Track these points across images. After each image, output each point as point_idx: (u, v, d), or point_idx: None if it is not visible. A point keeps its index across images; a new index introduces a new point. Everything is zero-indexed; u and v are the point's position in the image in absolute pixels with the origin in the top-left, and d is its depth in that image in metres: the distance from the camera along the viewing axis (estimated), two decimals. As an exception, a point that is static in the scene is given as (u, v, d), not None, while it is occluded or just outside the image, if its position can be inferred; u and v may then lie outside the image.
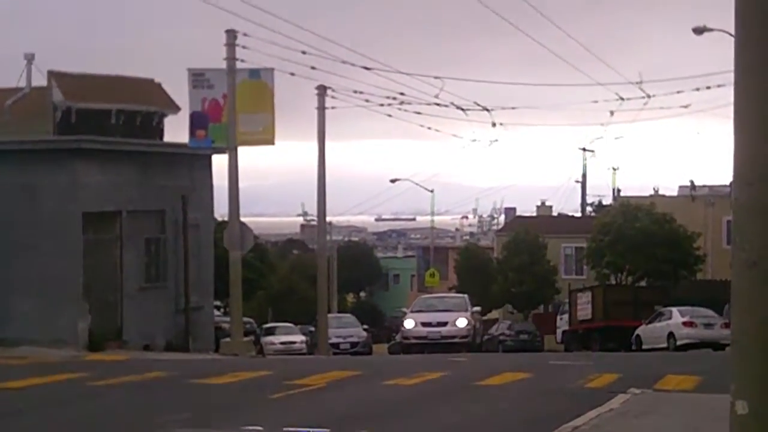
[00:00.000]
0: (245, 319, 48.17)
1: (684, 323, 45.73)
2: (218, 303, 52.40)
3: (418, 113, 45.23)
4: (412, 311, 45.62)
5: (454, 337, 41.96)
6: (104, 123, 39.77)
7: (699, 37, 42.36)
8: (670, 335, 45.87)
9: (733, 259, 7.30)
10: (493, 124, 46.33)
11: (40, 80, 39.73)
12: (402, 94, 43.49)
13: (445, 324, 42.56)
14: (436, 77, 42.31)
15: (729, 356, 7.62)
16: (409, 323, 44.01)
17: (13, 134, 37.34)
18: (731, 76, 7.51)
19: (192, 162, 40.93)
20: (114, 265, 37.44)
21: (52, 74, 39.50)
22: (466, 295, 49.25)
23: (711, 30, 41.72)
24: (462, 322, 42.65)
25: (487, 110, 45.23)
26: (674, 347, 44.90)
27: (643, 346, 47.54)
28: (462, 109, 44.72)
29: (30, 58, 39.60)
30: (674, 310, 47.45)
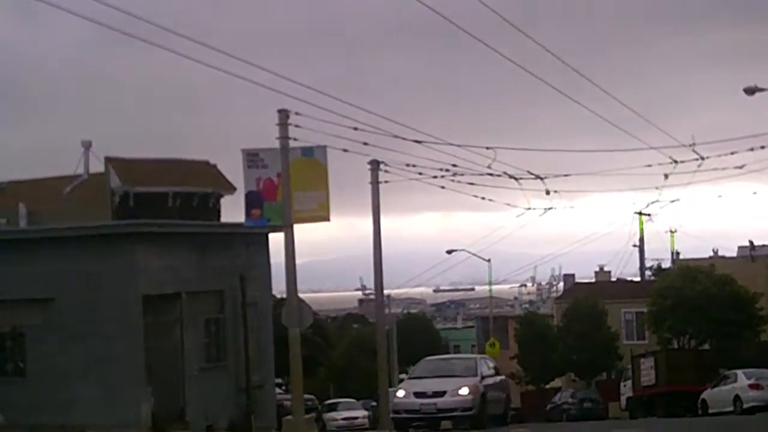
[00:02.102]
0: (306, 396, 48.11)
1: (750, 386, 45.12)
2: (279, 380, 52.44)
3: (472, 184, 45.25)
4: (410, 377, 37.31)
5: (453, 409, 33.13)
6: (161, 206, 40.26)
7: (750, 97, 42.24)
8: (737, 398, 45.25)
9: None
10: (547, 192, 46.19)
11: (97, 167, 40.40)
12: (454, 165, 43.55)
13: (442, 394, 33.44)
14: (488, 148, 42.38)
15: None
16: (399, 393, 34.96)
17: (72, 220, 37.90)
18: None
19: (249, 241, 41.23)
20: (175, 347, 37.65)
21: (109, 160, 40.17)
22: (483, 356, 41.24)
23: (762, 90, 41.61)
24: (465, 391, 33.32)
25: (540, 178, 45.14)
26: (741, 411, 44.26)
27: (710, 410, 46.90)
28: (515, 178, 44.67)
29: (87, 145, 40.31)
30: (739, 372, 46.84)
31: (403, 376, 38.35)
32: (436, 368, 36.68)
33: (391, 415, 33.79)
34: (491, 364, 36.65)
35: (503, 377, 37.50)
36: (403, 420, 33.74)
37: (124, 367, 35.18)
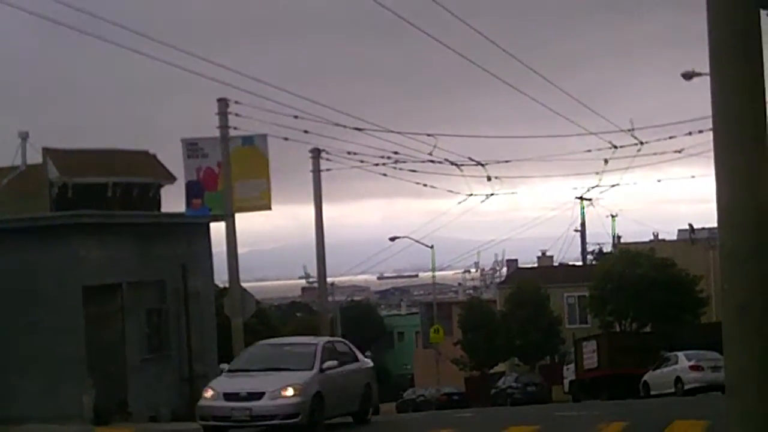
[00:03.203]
0: (251, 385, 47.95)
1: (691, 367, 45.54)
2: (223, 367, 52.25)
3: (414, 171, 45.41)
4: (228, 370, 27.38)
5: (272, 416, 24.41)
6: (101, 196, 39.93)
7: (688, 82, 42.59)
8: (678, 380, 45.67)
9: (724, 304, 7.34)
10: (489, 178, 46.44)
11: (35, 158, 39.95)
12: (396, 153, 43.66)
13: (259, 396, 24.68)
14: (429, 135, 42.50)
15: (725, 400, 7.63)
16: (207, 393, 25.55)
17: (10, 212, 37.47)
18: (712, 125, 7.58)
19: (190, 231, 41.02)
20: (116, 338, 37.41)
21: (47, 151, 39.73)
22: (332, 339, 30.98)
23: (700, 74, 41.93)
24: (289, 392, 24.66)
25: (482, 164, 45.38)
26: (682, 392, 44.68)
27: (651, 392, 47.32)
28: (456, 165, 44.87)
29: (24, 137, 39.85)
30: (680, 354, 47.27)
31: (224, 365, 28.49)
32: (264, 357, 27.13)
33: (199, 422, 25.28)
34: (343, 348, 28.07)
35: (363, 362, 28.30)
36: (212, 429, 24.94)
37: (64, 358, 34.88)
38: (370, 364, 28.81)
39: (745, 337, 7.25)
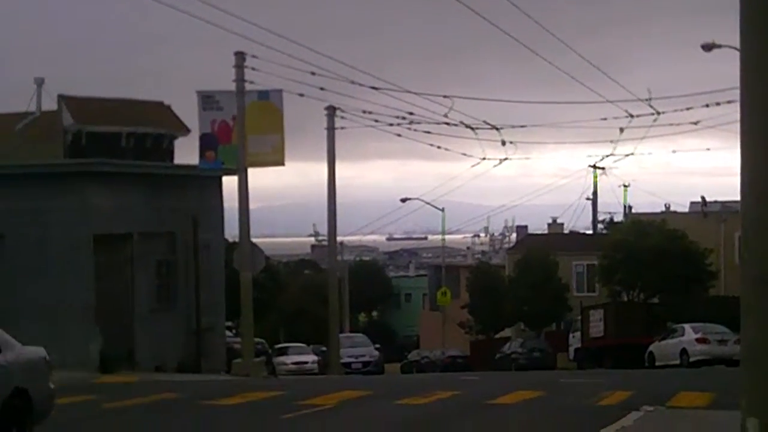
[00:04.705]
0: (257, 339, 48.11)
1: (697, 340, 45.55)
2: (230, 324, 52.35)
3: (428, 133, 45.24)
4: None
5: None
6: (114, 146, 39.87)
7: (708, 53, 42.30)
8: (683, 352, 45.68)
9: (743, 275, 7.26)
10: (503, 143, 46.27)
11: (50, 104, 39.86)
12: (411, 113, 43.51)
13: None
14: (445, 96, 42.31)
15: (739, 372, 7.57)
16: None
17: (23, 158, 37.46)
18: (740, 93, 7.49)
19: (202, 184, 40.98)
20: (125, 288, 37.47)
21: (62, 98, 39.62)
22: None
23: (720, 46, 41.65)
24: None
25: (497, 129, 45.19)
26: (687, 364, 44.70)
27: (656, 363, 47.34)
28: (471, 128, 44.70)
29: (40, 83, 39.72)
30: (687, 326, 47.26)
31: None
32: None
33: None
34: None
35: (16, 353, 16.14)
36: None
37: (73, 306, 34.97)
38: (34, 355, 16.70)
39: (762, 309, 7.18)
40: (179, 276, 39.85)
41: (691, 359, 44.93)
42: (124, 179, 37.55)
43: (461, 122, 44.00)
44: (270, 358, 53.47)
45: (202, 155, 38.58)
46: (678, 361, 45.50)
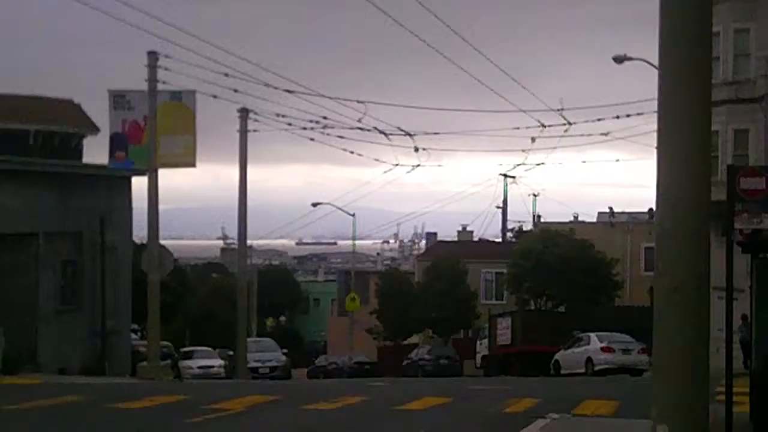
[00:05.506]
0: (163, 342, 47.54)
1: (602, 349, 46.03)
2: (136, 326, 51.79)
3: (341, 137, 45.26)
4: None
5: None
6: (22, 143, 39.26)
7: (619, 65, 42.79)
8: (589, 360, 46.13)
9: (656, 284, 7.29)
10: (416, 149, 46.37)
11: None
12: (325, 118, 43.45)
13: None
14: (359, 102, 42.31)
15: (650, 380, 7.60)
16: None
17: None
18: (650, 105, 7.58)
19: (111, 184, 40.50)
20: (30, 288, 36.88)
21: (-32, 93, 38.94)
22: None
23: (631, 59, 42.16)
24: None
25: (410, 135, 45.29)
26: (592, 372, 45.15)
27: (562, 371, 47.75)
28: (385, 134, 44.74)
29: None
30: (592, 335, 47.74)
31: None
32: None
33: None
34: None
35: None
36: None
37: (-25, 306, 34.33)
38: None
39: (676, 318, 7.22)
40: (85, 277, 39.33)
41: (596, 368, 45.39)
42: (31, 177, 36.98)
43: (375, 128, 44.06)
44: (176, 361, 52.98)
45: (112, 155, 38.14)
46: (583, 370, 45.93)
